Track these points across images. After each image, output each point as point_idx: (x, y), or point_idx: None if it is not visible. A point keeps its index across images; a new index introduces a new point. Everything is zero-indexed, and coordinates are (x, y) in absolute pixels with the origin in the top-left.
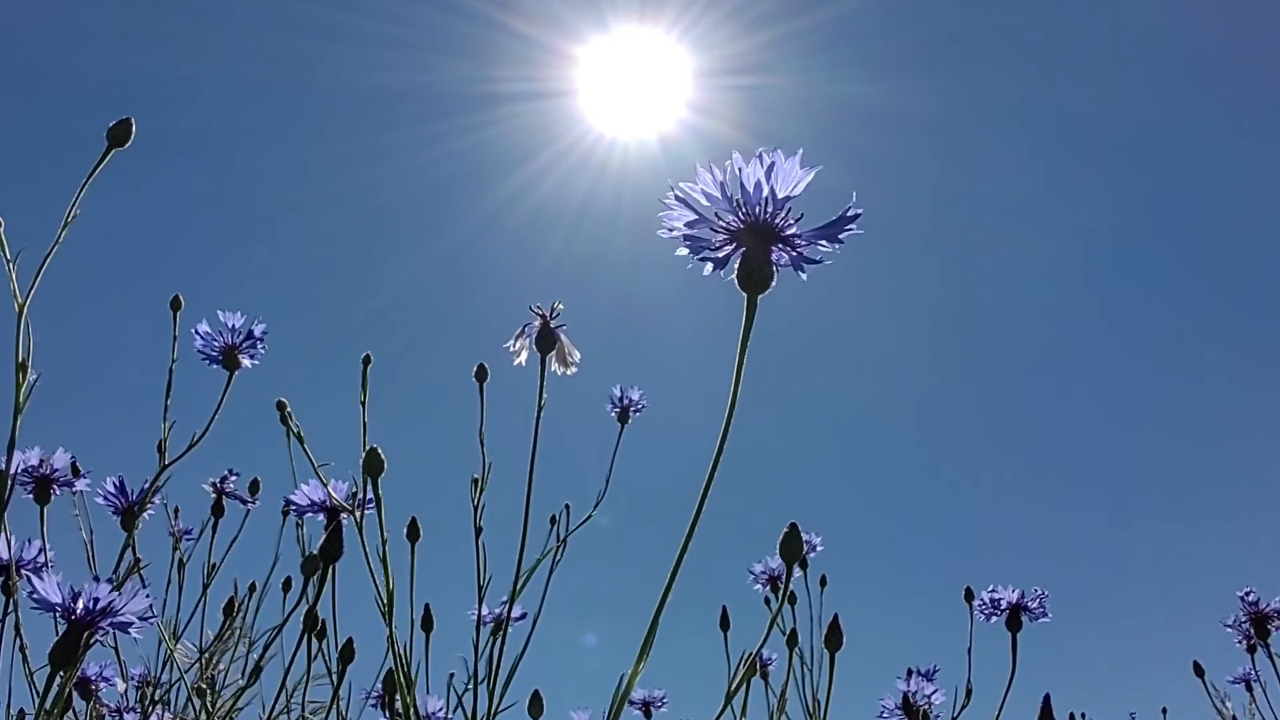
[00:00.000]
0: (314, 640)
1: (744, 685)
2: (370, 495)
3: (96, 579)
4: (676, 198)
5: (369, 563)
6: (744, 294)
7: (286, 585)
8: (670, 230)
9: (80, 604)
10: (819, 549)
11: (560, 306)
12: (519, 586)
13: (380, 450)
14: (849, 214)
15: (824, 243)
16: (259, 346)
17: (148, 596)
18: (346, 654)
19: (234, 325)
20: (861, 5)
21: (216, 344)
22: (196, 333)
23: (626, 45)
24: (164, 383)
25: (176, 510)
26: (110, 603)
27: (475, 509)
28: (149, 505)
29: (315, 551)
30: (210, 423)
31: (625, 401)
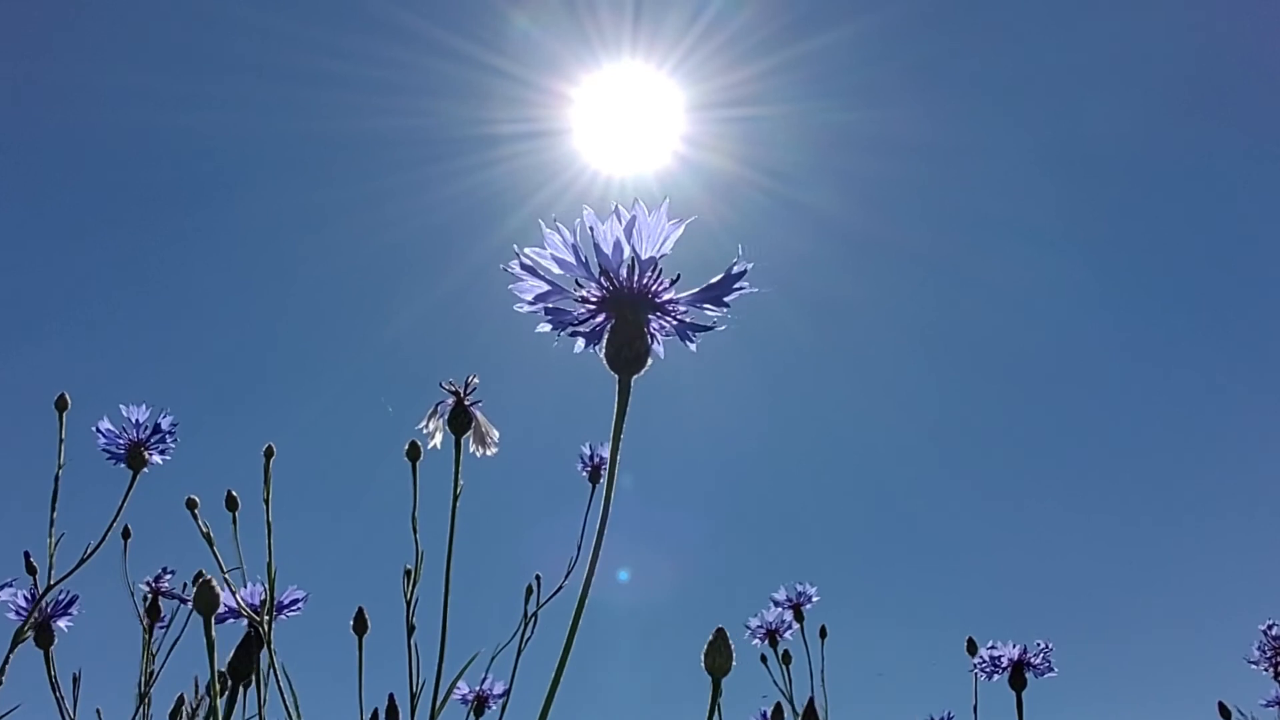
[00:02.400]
0: None
1: None
2: (290, 598)
3: None
4: (523, 265)
5: (278, 682)
6: (614, 375)
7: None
8: (522, 305)
9: None
10: (814, 600)
11: (475, 381)
12: (438, 704)
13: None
14: (734, 271)
15: (710, 306)
16: (168, 441)
17: None
18: None
19: (138, 420)
20: (851, 33)
21: (121, 441)
22: (99, 431)
23: (619, 82)
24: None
25: None
26: None
27: (408, 604)
28: (61, 619)
29: (224, 668)
30: (109, 530)
31: (596, 460)
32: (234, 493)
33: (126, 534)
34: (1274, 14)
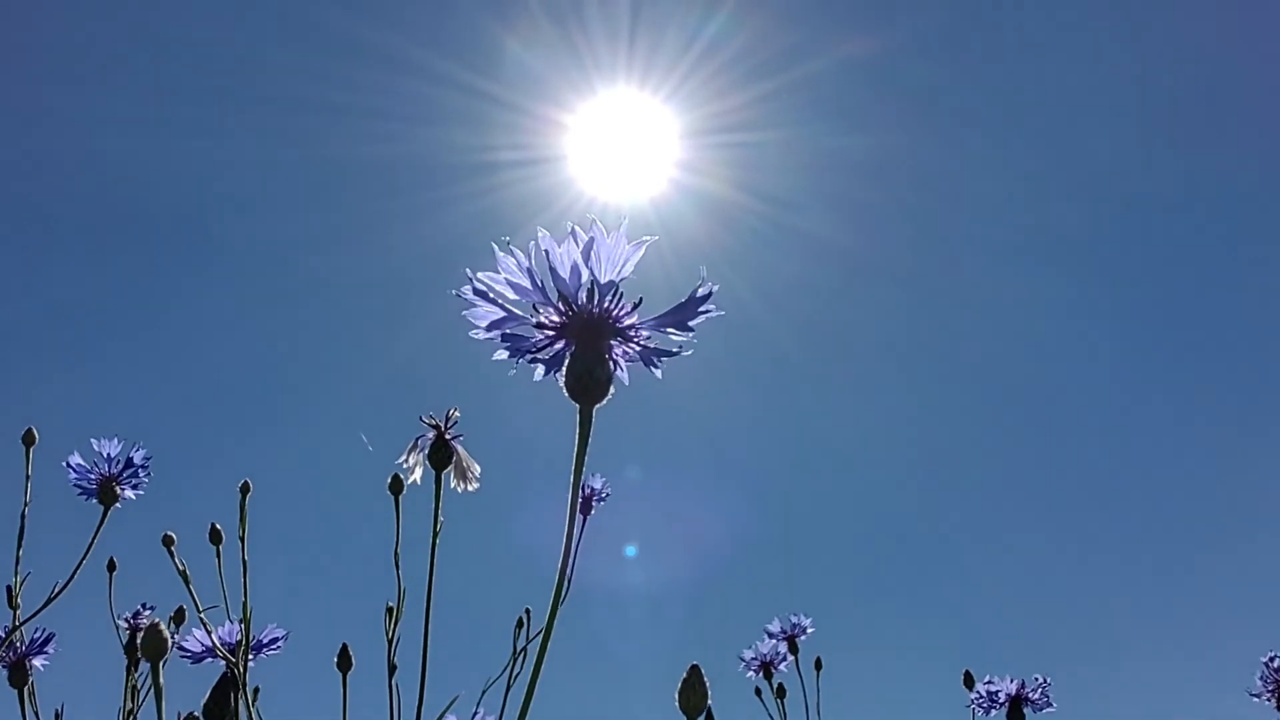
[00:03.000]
0: None
1: None
2: (270, 636)
3: None
4: (475, 291)
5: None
6: (574, 404)
7: None
8: (477, 332)
9: None
10: (809, 631)
11: (456, 415)
12: None
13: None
14: (699, 293)
15: (674, 331)
16: (141, 475)
17: None
18: None
19: (110, 454)
20: (843, 59)
21: (92, 476)
22: (69, 466)
23: (614, 109)
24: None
25: None
26: None
27: (389, 643)
28: (37, 657)
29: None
30: (78, 567)
31: (587, 490)
32: (218, 526)
33: (111, 566)
34: (1259, 45)
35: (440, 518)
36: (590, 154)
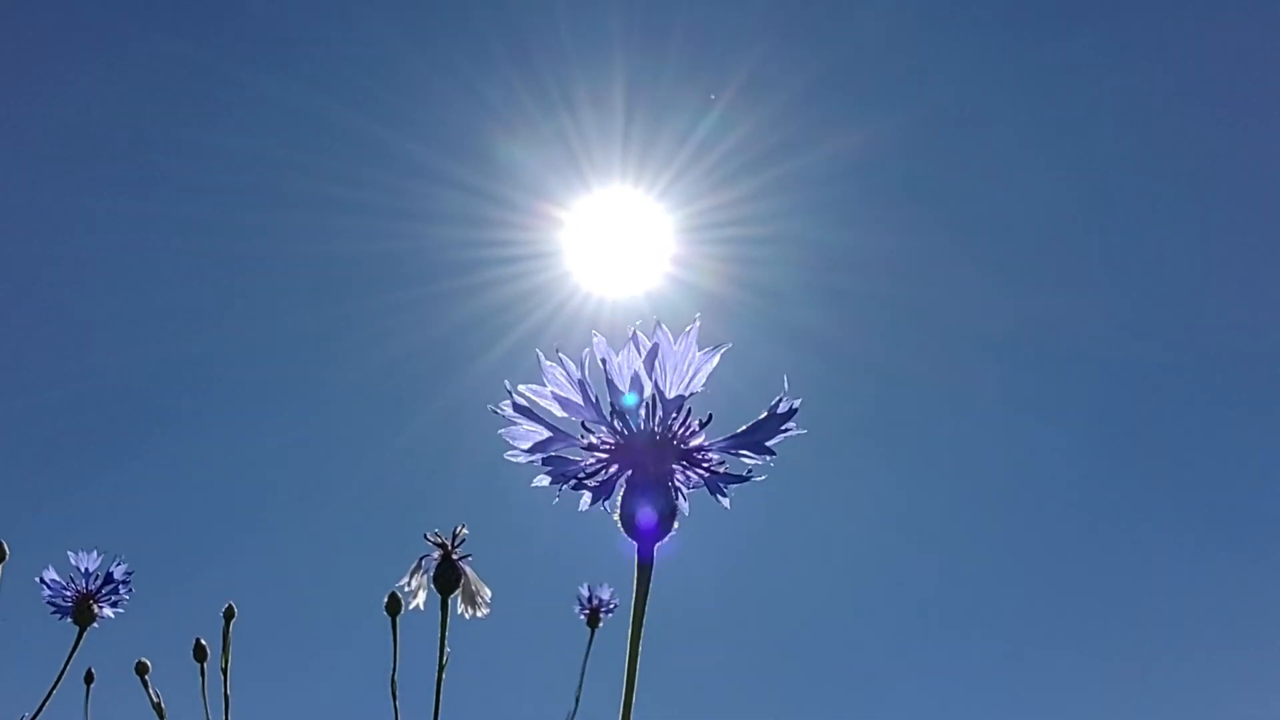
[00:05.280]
0: None
1: None
2: None
3: None
4: (516, 406)
5: None
6: (631, 543)
7: None
8: (516, 454)
9: None
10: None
11: (464, 533)
12: None
13: None
14: (780, 410)
15: (748, 453)
16: (121, 591)
17: None
18: None
19: (88, 569)
20: (832, 153)
21: (67, 593)
22: (43, 581)
23: (608, 205)
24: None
25: None
26: None
27: None
28: None
29: None
30: (49, 695)
31: (595, 602)
32: (203, 641)
33: (89, 678)
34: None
35: (447, 648)
36: (586, 249)
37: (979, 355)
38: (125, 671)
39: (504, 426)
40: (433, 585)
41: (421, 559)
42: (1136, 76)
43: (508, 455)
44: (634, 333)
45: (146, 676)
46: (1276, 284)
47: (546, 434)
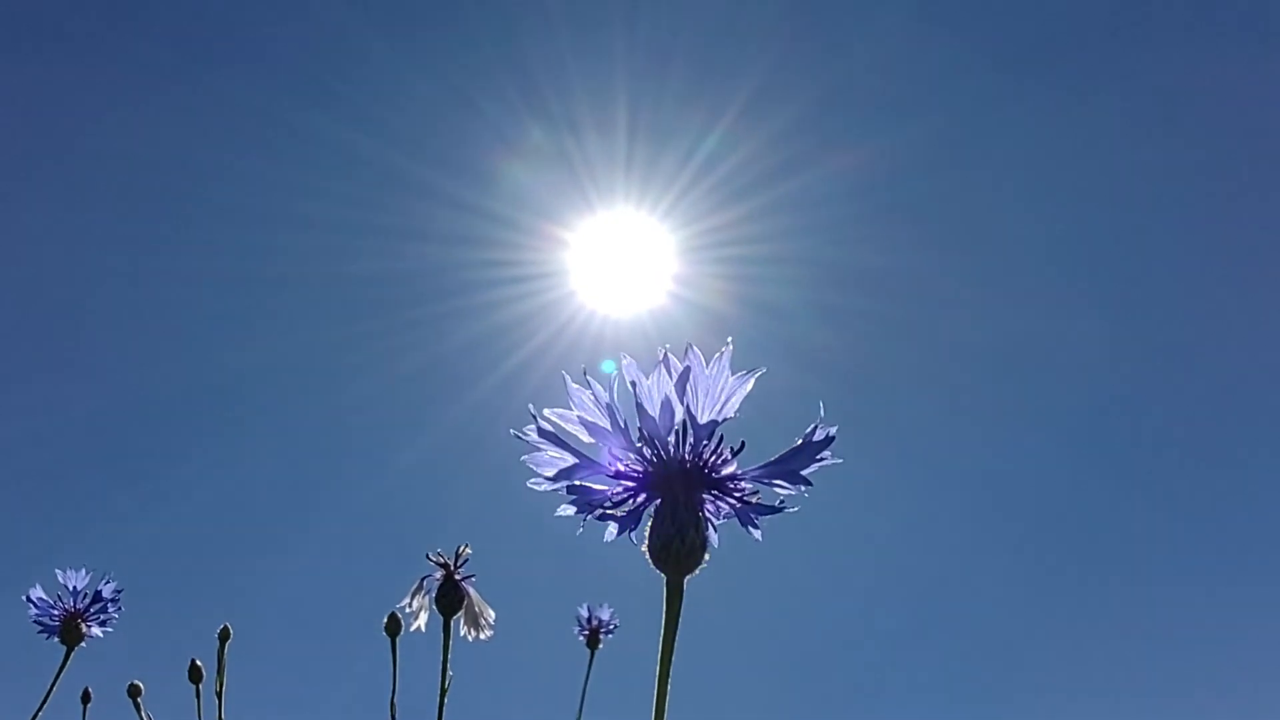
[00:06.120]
0: None
1: None
2: None
3: None
4: (541, 432)
5: None
6: (660, 574)
7: None
8: (539, 482)
9: None
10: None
11: (467, 552)
12: None
13: None
14: (816, 438)
15: (782, 483)
16: (110, 610)
17: None
18: None
19: (75, 587)
20: (834, 172)
21: (55, 612)
22: (30, 600)
23: (612, 225)
24: None
25: None
26: None
27: None
28: None
29: None
30: (38, 712)
31: (594, 622)
32: (198, 662)
33: (86, 698)
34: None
35: (449, 671)
36: (590, 269)
37: (979, 370)
38: (119, 692)
39: (527, 452)
40: (435, 606)
41: (423, 579)
42: (1129, 99)
43: (530, 483)
44: (665, 354)
45: (139, 699)
46: (1263, 296)
47: (573, 460)
